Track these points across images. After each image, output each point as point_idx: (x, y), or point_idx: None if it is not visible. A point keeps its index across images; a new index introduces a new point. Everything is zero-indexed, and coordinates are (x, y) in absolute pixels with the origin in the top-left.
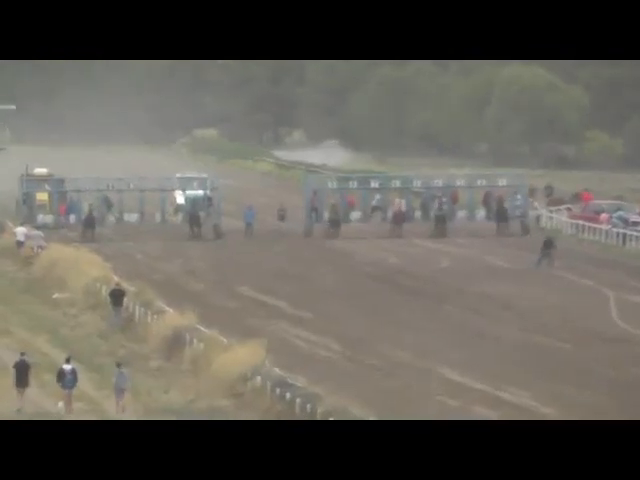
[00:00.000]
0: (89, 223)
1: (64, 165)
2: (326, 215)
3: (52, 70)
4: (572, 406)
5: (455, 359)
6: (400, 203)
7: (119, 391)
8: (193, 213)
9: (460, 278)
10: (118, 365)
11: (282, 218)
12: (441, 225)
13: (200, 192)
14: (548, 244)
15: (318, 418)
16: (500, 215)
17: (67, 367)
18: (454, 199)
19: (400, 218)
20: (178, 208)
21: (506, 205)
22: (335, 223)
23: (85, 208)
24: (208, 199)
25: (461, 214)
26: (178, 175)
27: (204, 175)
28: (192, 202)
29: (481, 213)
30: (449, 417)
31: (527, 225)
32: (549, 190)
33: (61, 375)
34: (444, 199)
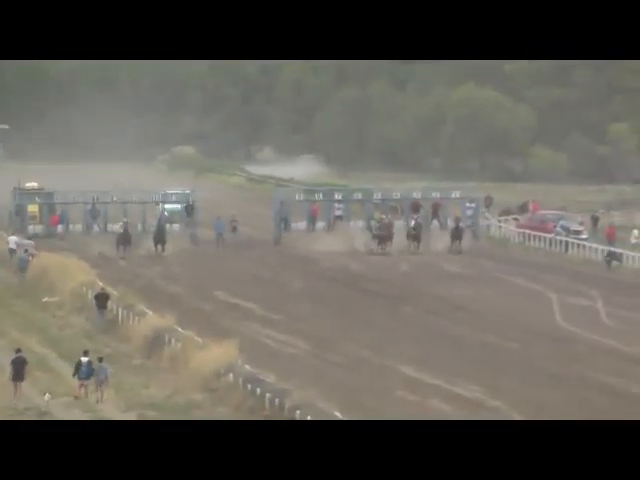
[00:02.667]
0: (123, 240)
1: (53, 179)
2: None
3: (42, 91)
4: (518, 399)
5: (413, 356)
6: (387, 218)
7: (98, 382)
8: (160, 228)
9: (418, 282)
10: (99, 360)
11: (234, 229)
12: (416, 242)
13: (177, 206)
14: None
15: (286, 412)
16: (455, 234)
17: (84, 359)
18: (415, 208)
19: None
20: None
21: (459, 216)
22: (384, 238)
23: (117, 225)
24: (186, 210)
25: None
26: (164, 191)
27: (187, 190)
28: (162, 217)
29: (435, 223)
30: (408, 410)
31: (478, 234)
32: (489, 201)
33: (78, 367)
34: (419, 220)
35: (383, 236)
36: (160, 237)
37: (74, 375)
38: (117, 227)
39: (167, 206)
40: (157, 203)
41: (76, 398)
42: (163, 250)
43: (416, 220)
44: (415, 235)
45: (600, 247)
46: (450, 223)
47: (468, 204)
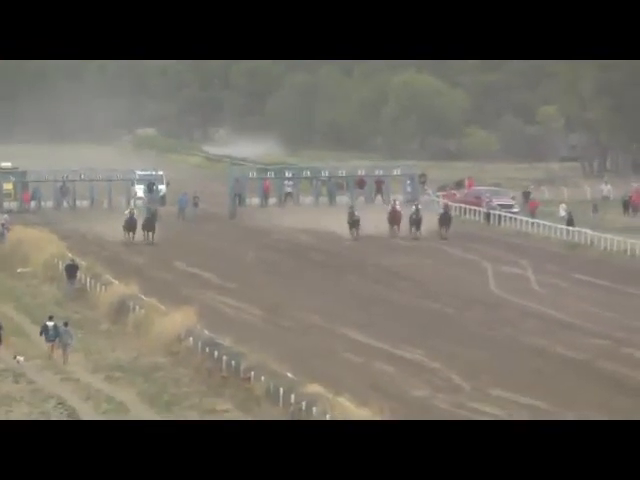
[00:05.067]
0: (129, 226)
1: (26, 160)
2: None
3: (13, 77)
4: (455, 361)
5: (358, 321)
6: (395, 202)
7: (64, 345)
8: (151, 218)
9: (362, 253)
10: (65, 324)
11: (196, 205)
12: (418, 227)
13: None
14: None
15: (241, 373)
16: (444, 220)
17: (50, 324)
18: (360, 185)
19: (397, 218)
20: (138, 201)
21: (448, 203)
22: (416, 222)
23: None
24: (148, 188)
25: (361, 199)
26: (139, 172)
27: (160, 172)
28: (149, 207)
29: (378, 199)
30: (352, 372)
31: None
32: (423, 178)
33: (44, 330)
34: (420, 206)
35: (415, 220)
36: (150, 225)
37: (40, 334)
38: (85, 204)
39: (141, 187)
40: (132, 183)
41: (50, 358)
42: (153, 238)
43: (416, 206)
44: (416, 220)
45: (531, 220)
46: (439, 209)
47: (409, 181)
